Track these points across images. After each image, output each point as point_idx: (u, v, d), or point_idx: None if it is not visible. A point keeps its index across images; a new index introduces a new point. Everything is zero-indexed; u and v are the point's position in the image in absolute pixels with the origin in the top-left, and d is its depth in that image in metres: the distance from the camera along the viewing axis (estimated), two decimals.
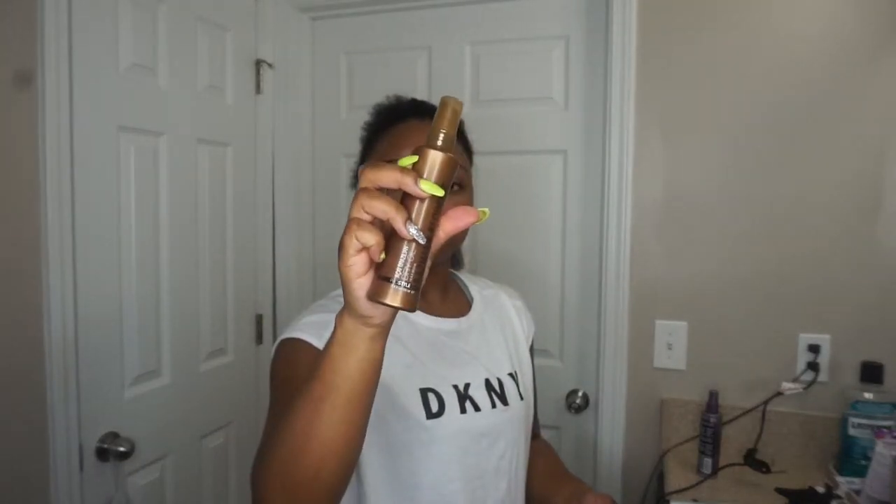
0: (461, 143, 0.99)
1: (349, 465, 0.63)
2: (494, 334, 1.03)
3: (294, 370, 0.80)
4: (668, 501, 1.40)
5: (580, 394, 1.81)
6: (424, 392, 0.90)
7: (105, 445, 1.42)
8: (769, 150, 1.58)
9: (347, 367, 0.59)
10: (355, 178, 1.02)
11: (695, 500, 1.38)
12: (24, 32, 1.26)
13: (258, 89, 1.92)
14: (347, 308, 0.57)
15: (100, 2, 1.40)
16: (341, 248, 0.54)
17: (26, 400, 1.29)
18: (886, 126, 1.51)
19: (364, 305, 0.55)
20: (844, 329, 1.55)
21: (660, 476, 1.61)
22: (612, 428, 1.72)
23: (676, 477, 1.50)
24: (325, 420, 0.59)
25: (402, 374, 0.89)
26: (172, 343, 1.63)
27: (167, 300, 1.61)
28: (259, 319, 1.97)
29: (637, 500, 1.70)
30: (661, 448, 1.66)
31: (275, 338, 1.99)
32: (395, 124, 0.95)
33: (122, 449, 1.43)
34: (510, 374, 1.00)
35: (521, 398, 1.00)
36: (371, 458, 0.88)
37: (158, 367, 1.60)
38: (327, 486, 0.62)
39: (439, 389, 0.91)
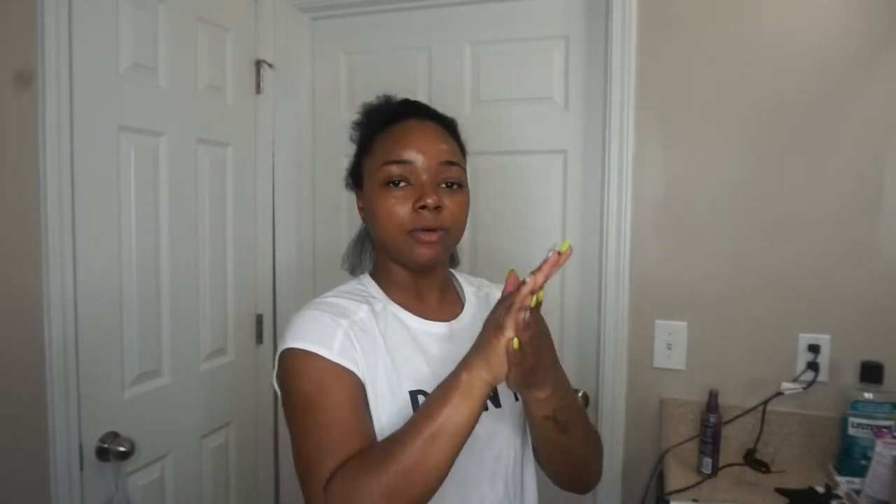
0: (456, 143, 1.00)
1: (441, 482, 0.76)
2: None
3: (317, 386, 0.85)
4: (667, 501, 1.40)
5: (580, 394, 1.80)
6: (414, 395, 0.89)
7: (105, 445, 1.42)
8: (769, 150, 1.58)
9: (462, 414, 0.75)
10: (351, 179, 1.02)
11: (695, 500, 1.38)
12: (24, 32, 1.26)
13: (258, 89, 1.92)
14: (487, 369, 0.75)
15: (100, 2, 1.40)
16: (505, 332, 0.74)
17: (26, 400, 1.29)
18: (887, 126, 1.51)
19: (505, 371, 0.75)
20: (844, 329, 1.55)
21: (660, 476, 1.61)
22: (612, 428, 1.72)
23: (676, 477, 1.50)
24: (435, 453, 0.74)
25: (391, 379, 0.89)
26: (172, 343, 1.62)
27: (167, 300, 1.61)
28: (259, 319, 1.97)
29: (637, 499, 1.70)
30: (661, 448, 1.66)
31: (275, 337, 2.00)
32: (393, 125, 0.95)
33: (122, 449, 1.43)
34: None
35: (516, 399, 0.99)
36: None
37: (158, 367, 1.60)
38: (426, 500, 0.75)
39: (429, 391, 0.90)
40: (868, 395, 1.45)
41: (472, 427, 0.76)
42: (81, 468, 1.37)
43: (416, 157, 0.91)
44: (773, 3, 1.57)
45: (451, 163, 0.94)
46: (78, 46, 1.34)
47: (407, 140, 0.92)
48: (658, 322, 1.67)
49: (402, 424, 0.85)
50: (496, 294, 1.08)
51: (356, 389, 0.87)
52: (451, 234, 0.94)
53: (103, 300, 1.44)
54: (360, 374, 0.87)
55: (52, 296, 1.30)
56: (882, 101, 1.51)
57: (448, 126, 1.00)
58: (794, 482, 1.42)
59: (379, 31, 1.95)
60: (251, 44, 1.89)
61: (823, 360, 1.56)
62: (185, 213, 1.66)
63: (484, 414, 0.92)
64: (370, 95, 1.06)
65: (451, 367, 0.93)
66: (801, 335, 1.58)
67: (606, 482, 1.72)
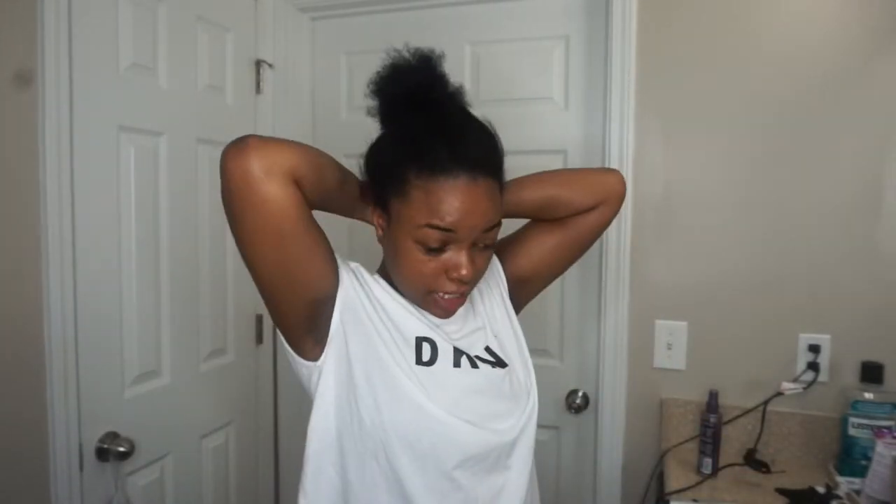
0: (499, 180, 0.92)
1: (320, 184, 0.87)
2: (479, 312, 1.02)
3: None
4: (667, 501, 1.40)
5: (580, 394, 1.81)
6: (420, 340, 0.92)
7: (105, 445, 1.42)
8: (769, 151, 1.58)
9: (348, 186, 0.95)
10: (375, 189, 0.93)
11: (695, 500, 1.38)
12: (24, 32, 1.26)
13: (258, 89, 1.92)
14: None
15: (100, 2, 1.40)
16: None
17: (26, 400, 1.29)
18: (887, 126, 1.51)
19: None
20: (844, 329, 1.55)
21: (660, 476, 1.61)
22: (612, 428, 1.72)
23: (676, 477, 1.50)
24: (324, 159, 0.90)
25: (404, 322, 0.92)
26: (172, 343, 1.62)
27: (167, 300, 1.61)
28: (259, 319, 1.97)
29: (637, 500, 1.70)
30: (661, 448, 1.66)
31: (275, 338, 1.99)
32: (439, 175, 0.83)
33: (122, 449, 1.43)
34: (486, 349, 0.99)
35: (504, 364, 0.98)
36: (376, 398, 0.88)
37: (158, 367, 1.60)
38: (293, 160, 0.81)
39: (437, 341, 0.92)
40: (868, 396, 1.45)
41: (350, 200, 0.93)
42: (81, 468, 1.38)
43: (461, 225, 0.83)
44: (773, 3, 1.57)
45: (494, 225, 0.89)
46: (78, 46, 1.34)
47: (454, 205, 0.83)
48: (658, 322, 1.67)
49: (408, 366, 0.89)
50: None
51: (329, 263, 0.89)
52: (472, 286, 0.94)
53: (103, 300, 1.44)
54: (342, 290, 0.89)
55: (52, 296, 1.31)
56: (883, 100, 1.50)
57: (496, 167, 0.91)
58: (795, 482, 1.42)
59: (379, 31, 1.95)
60: (251, 44, 1.89)
61: (823, 360, 1.56)
62: (185, 213, 1.66)
63: (492, 370, 0.95)
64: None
65: (445, 332, 0.94)
66: (802, 335, 1.58)
67: (607, 482, 1.72)
